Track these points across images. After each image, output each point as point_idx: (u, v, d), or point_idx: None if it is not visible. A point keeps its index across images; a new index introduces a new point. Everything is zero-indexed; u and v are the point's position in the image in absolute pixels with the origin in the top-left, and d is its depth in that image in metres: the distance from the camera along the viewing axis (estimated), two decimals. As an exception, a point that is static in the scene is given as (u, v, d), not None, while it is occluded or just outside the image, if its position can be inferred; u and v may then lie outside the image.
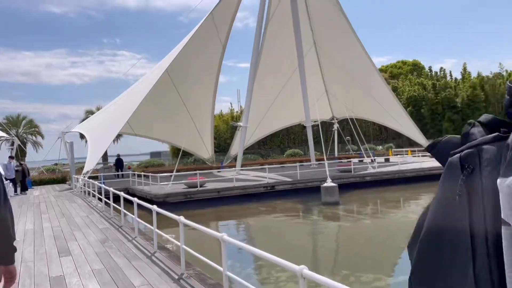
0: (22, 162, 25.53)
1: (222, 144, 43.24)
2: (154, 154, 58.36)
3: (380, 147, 46.29)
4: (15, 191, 22.78)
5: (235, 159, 35.86)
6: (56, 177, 30.64)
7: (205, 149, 34.21)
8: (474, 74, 49.64)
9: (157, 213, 7.09)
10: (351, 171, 21.12)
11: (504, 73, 48.82)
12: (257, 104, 30.48)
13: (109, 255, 7.01)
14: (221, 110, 50.59)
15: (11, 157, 24.65)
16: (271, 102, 34.02)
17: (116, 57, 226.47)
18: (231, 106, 51.08)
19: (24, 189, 23.74)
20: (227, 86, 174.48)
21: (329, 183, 16.18)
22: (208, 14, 26.28)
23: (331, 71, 33.31)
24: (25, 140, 45.11)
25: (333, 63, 31.86)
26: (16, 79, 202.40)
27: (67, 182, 28.27)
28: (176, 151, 42.66)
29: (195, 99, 29.76)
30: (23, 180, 23.95)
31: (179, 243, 6.00)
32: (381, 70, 54.71)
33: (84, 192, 18.87)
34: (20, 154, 33.47)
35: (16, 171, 22.86)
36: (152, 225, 7.31)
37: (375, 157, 28.00)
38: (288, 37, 29.58)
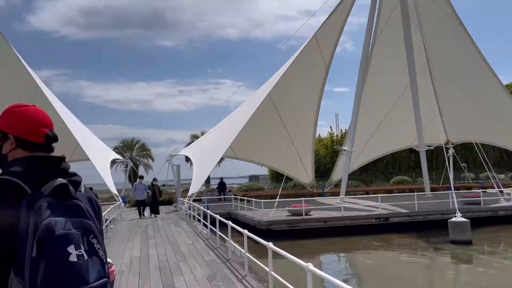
0: (154, 183, 21.99)
1: (321, 169, 41.70)
2: (252, 178, 58.95)
3: (503, 175, 40.45)
4: (141, 214, 20.27)
5: (335, 185, 34.10)
6: (164, 199, 31.87)
7: (305, 174, 33.04)
8: None
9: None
10: (479, 203, 18.16)
11: None
12: (362, 127, 28.60)
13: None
14: (319, 134, 48.95)
15: (140, 177, 22.47)
16: (377, 125, 31.76)
17: (219, 85, 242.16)
18: (331, 130, 49.42)
19: (154, 211, 20.75)
20: (323, 111, 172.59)
21: (458, 217, 13.83)
22: (312, 36, 25.62)
23: (446, 90, 30.14)
24: (137, 163, 48.58)
25: (448, 80, 28.78)
26: (131, 107, 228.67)
27: (173, 204, 29.16)
28: (275, 175, 42.16)
29: (297, 123, 29.01)
30: (154, 202, 20.81)
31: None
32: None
33: (189, 215, 18.90)
34: (132, 175, 35.67)
35: (147, 193, 20.52)
36: (266, 264, 6.35)
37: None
38: (396, 55, 27.50)
